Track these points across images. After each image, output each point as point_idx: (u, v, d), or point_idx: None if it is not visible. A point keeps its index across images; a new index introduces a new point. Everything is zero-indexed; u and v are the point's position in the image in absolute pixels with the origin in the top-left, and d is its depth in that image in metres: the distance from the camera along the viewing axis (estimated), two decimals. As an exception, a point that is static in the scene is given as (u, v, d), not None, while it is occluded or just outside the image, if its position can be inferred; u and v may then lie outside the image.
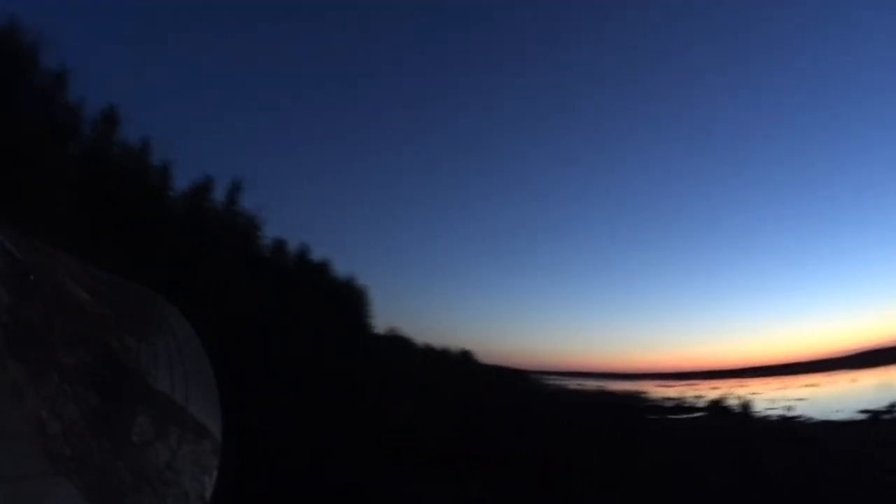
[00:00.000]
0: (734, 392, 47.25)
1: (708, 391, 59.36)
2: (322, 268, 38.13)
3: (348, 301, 40.10)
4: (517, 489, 11.82)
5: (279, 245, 36.33)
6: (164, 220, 22.35)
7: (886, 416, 27.27)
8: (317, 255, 39.37)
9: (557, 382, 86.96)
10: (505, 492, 11.71)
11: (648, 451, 16.77)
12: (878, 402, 30.70)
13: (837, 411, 29.67)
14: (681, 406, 40.26)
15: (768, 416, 31.47)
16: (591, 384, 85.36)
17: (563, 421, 23.87)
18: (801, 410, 32.44)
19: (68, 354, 0.45)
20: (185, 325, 0.56)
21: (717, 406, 34.79)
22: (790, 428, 25.25)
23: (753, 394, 44.50)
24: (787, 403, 36.13)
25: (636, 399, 48.90)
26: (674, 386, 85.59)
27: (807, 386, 58.95)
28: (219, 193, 29.62)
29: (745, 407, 32.23)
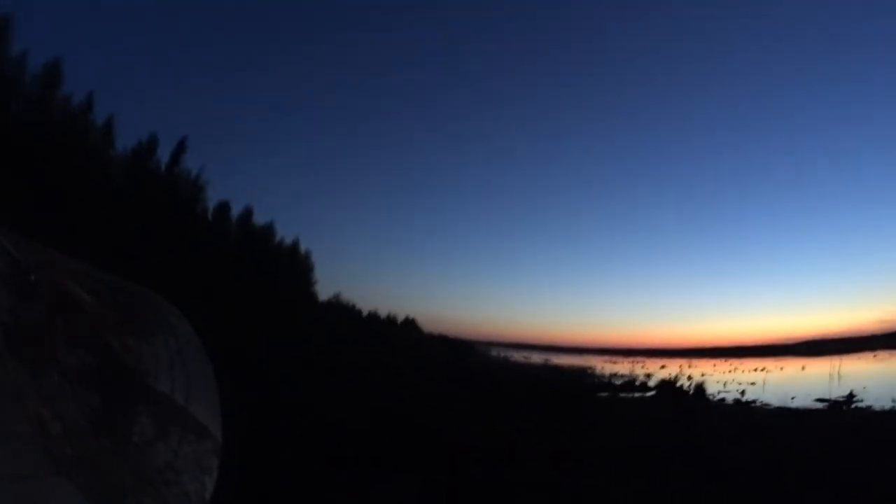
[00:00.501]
0: (684, 372, 46.54)
1: (657, 370, 58.92)
2: (265, 232, 37.20)
3: (291, 266, 39.64)
4: (460, 476, 10.91)
5: (222, 207, 35.43)
6: (105, 180, 22.54)
7: (846, 407, 26.21)
8: (261, 218, 38.48)
9: (502, 354, 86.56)
10: (449, 481, 10.75)
11: (600, 431, 16.11)
12: (833, 391, 30.18)
13: (793, 398, 28.73)
14: (631, 383, 39.22)
15: (723, 398, 30.62)
16: (537, 357, 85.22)
17: (509, 397, 23.37)
18: (754, 395, 31.47)
19: (69, 355, 0.44)
20: (186, 325, 0.56)
21: (668, 385, 34.04)
22: (747, 413, 24.04)
23: (703, 375, 43.77)
24: (740, 387, 35.42)
25: (584, 374, 47.82)
26: (621, 363, 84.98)
27: (756, 370, 58.22)
28: (163, 154, 29.82)
29: (699, 388, 31.28)
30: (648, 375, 45.56)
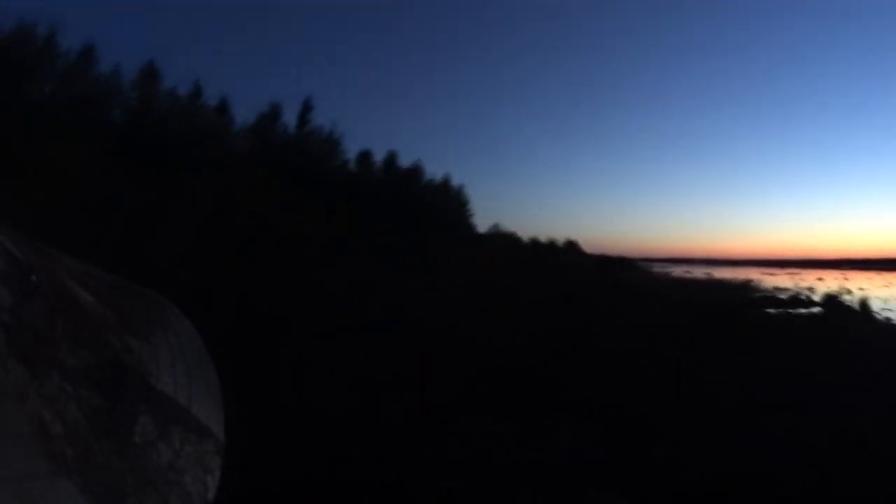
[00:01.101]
0: (843, 285, 45.82)
1: (815, 282, 57.97)
2: (412, 173, 37.60)
3: (446, 203, 39.76)
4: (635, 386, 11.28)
5: (364, 156, 35.63)
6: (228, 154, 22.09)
7: None
8: (406, 161, 38.43)
9: (664, 270, 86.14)
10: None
11: (782, 354, 15.60)
12: None
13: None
14: (796, 299, 38.68)
15: (888, 318, 29.42)
16: (697, 271, 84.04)
17: (680, 313, 23.61)
18: None
19: (70, 355, 0.45)
20: (187, 325, 0.56)
21: (833, 301, 33.73)
22: None
23: (861, 289, 42.95)
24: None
25: (748, 289, 47.41)
26: (777, 274, 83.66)
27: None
28: (288, 118, 28.36)
29: (864, 305, 31.09)
30: (810, 289, 45.04)
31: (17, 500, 0.37)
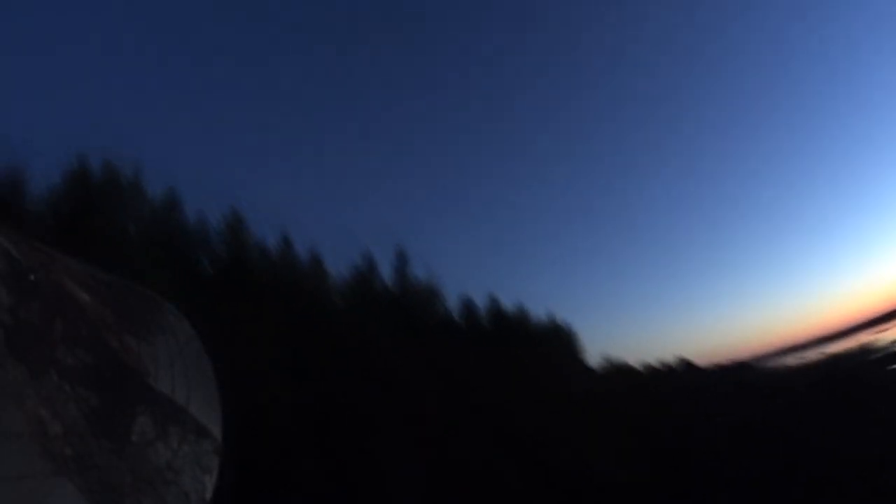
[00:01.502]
0: None
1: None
2: (519, 317, 35.92)
3: (556, 342, 38.39)
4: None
5: (467, 305, 34.20)
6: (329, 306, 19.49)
7: None
8: (505, 303, 36.81)
9: (778, 363, 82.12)
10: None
11: None
12: None
13: None
14: None
15: None
16: (811, 353, 79.94)
17: (803, 403, 21.75)
18: None
19: (68, 355, 0.46)
20: (186, 326, 0.57)
21: None
22: None
23: None
24: None
25: (865, 352, 45.03)
26: (889, 328, 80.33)
27: None
28: (382, 267, 27.02)
29: None
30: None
31: (17, 500, 0.39)
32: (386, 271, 28.90)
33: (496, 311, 36.84)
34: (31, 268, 0.48)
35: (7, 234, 0.49)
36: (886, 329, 78.39)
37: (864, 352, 44.00)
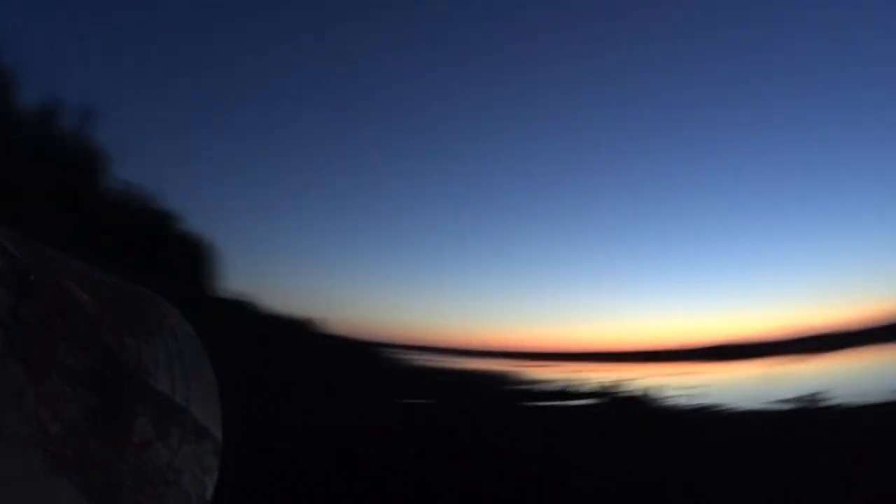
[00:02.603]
0: (618, 378, 41.82)
1: (595, 375, 54.04)
2: (168, 217, 32.78)
3: (194, 258, 35.00)
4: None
5: (127, 187, 31.07)
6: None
7: (823, 405, 22.38)
8: (169, 202, 34.59)
9: (410, 358, 78.31)
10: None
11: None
12: (783, 393, 26.65)
13: (752, 399, 24.86)
14: (567, 392, 33.93)
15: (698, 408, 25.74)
16: (442, 360, 77.48)
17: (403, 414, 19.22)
18: (711, 400, 27.28)
19: (68, 355, 0.45)
20: (186, 326, 0.56)
21: (619, 396, 29.92)
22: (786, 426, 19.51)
23: (640, 379, 39.61)
24: (692, 392, 31.29)
25: (505, 381, 41.92)
26: (547, 367, 79.30)
27: (676, 375, 53.71)
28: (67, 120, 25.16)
29: (650, 398, 27.10)
30: (597, 383, 40.85)
31: (17, 500, 0.38)
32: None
33: (150, 203, 31.22)
34: (31, 267, 0.48)
35: (7, 233, 0.49)
36: (542, 367, 77.60)
37: (506, 381, 40.17)
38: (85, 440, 0.42)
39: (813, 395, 24.73)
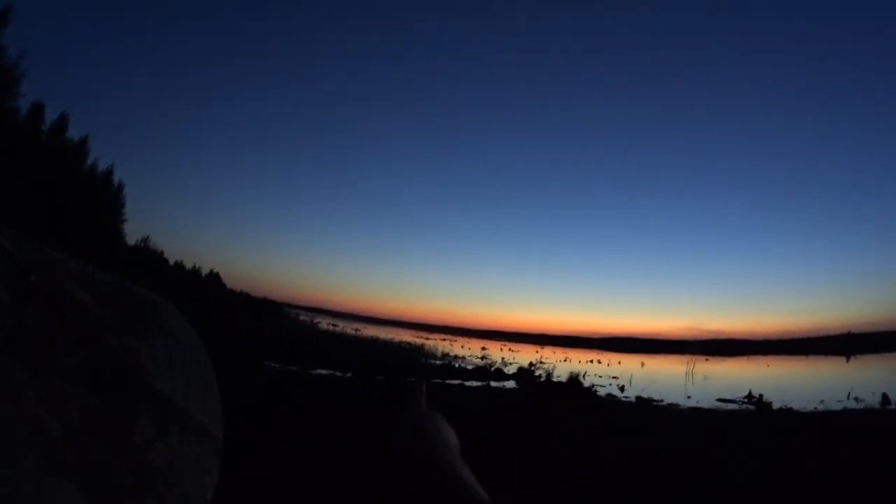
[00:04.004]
0: (528, 358, 41.22)
1: (478, 350, 53.59)
2: (77, 149, 31.99)
3: (100, 197, 34.65)
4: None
5: (35, 110, 30.74)
6: None
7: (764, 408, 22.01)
8: (76, 132, 34.13)
9: (312, 319, 77.02)
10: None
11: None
12: (701, 391, 27.27)
13: (689, 397, 24.80)
14: (485, 370, 32.76)
15: (611, 395, 25.06)
16: (346, 326, 77.00)
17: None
18: (640, 392, 26.82)
19: (68, 355, 0.45)
20: (186, 326, 0.56)
21: (529, 375, 29.29)
22: (672, 416, 18.50)
23: (551, 363, 39.16)
24: (609, 381, 30.77)
25: (429, 356, 40.26)
26: (432, 339, 78.55)
27: (593, 362, 54.09)
28: None
29: (574, 380, 26.46)
30: (486, 358, 40.01)
31: (17, 500, 0.38)
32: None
33: (60, 133, 31.06)
34: (31, 268, 0.48)
35: (6, 234, 0.49)
36: (427, 338, 76.73)
37: (427, 355, 38.96)
38: (85, 440, 0.42)
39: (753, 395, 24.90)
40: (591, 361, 54.20)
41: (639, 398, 23.40)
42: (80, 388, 0.44)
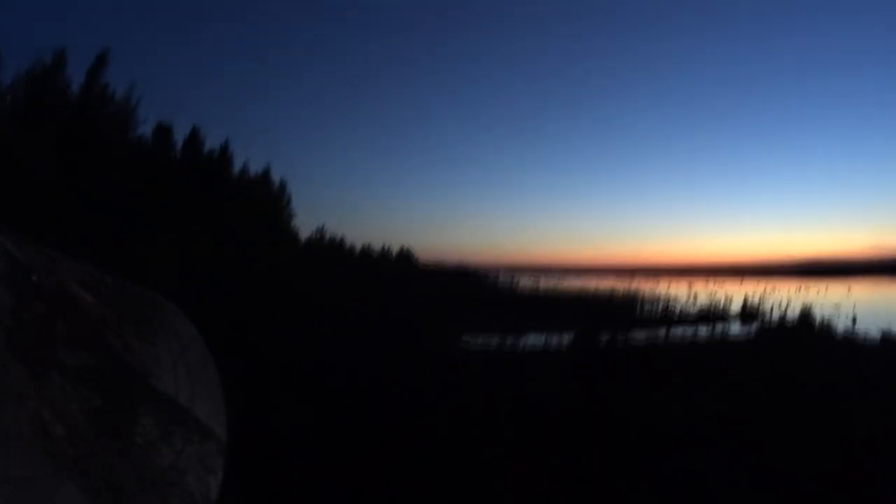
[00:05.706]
0: (752, 294, 38.32)
1: (707, 290, 50.73)
2: (222, 157, 32.93)
3: (261, 199, 35.56)
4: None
5: (163, 131, 30.81)
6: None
7: None
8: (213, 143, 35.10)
9: (532, 282, 75.52)
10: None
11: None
12: None
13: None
14: (712, 313, 30.53)
15: (853, 333, 22.05)
16: (558, 282, 75.23)
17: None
18: (861, 325, 24.48)
19: (70, 355, 0.45)
20: (188, 326, 0.55)
21: (754, 313, 27.43)
22: None
23: (770, 297, 36.28)
24: (833, 314, 27.59)
25: (635, 299, 38.05)
26: (651, 282, 75.38)
27: (797, 291, 50.29)
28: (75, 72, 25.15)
29: (805, 317, 23.95)
30: (712, 299, 37.29)
31: (18, 501, 0.38)
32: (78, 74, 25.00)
33: (195, 143, 31.59)
34: (33, 268, 0.48)
35: (9, 234, 0.49)
36: (645, 283, 74.17)
37: (635, 299, 37.44)
38: (87, 441, 0.42)
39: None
40: (794, 290, 50.43)
41: (884, 336, 20.44)
42: (83, 388, 0.43)
